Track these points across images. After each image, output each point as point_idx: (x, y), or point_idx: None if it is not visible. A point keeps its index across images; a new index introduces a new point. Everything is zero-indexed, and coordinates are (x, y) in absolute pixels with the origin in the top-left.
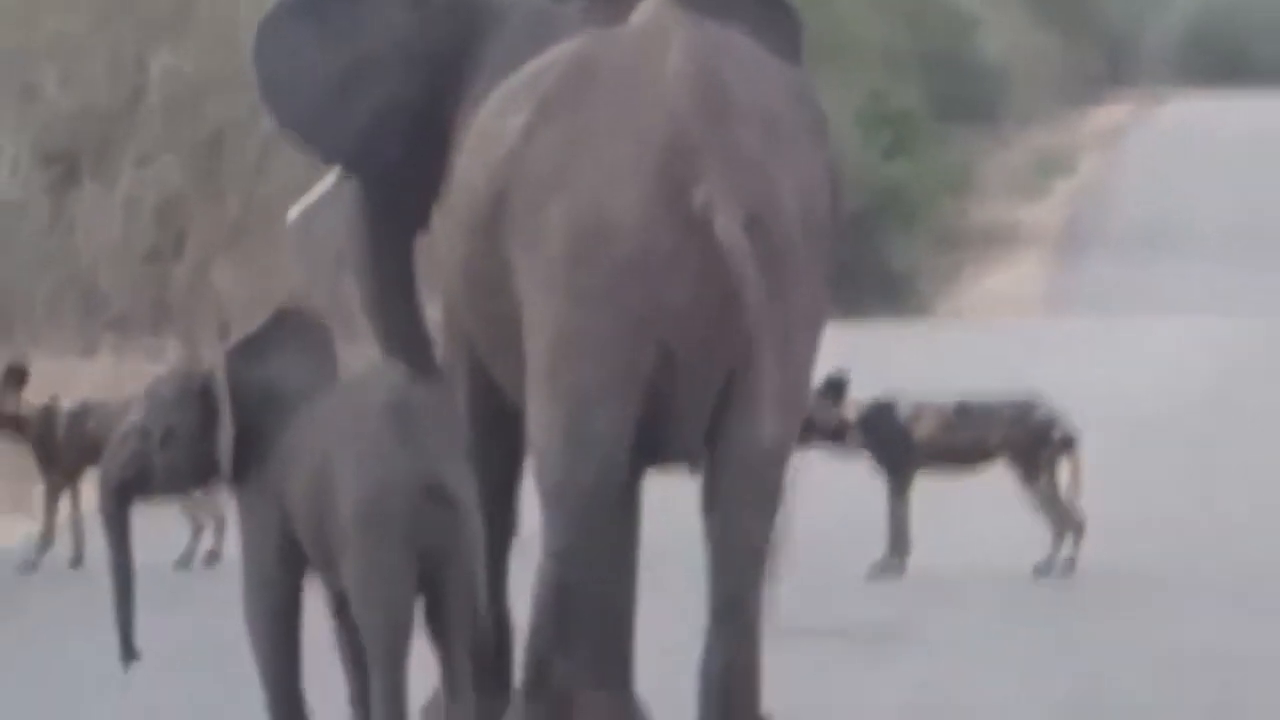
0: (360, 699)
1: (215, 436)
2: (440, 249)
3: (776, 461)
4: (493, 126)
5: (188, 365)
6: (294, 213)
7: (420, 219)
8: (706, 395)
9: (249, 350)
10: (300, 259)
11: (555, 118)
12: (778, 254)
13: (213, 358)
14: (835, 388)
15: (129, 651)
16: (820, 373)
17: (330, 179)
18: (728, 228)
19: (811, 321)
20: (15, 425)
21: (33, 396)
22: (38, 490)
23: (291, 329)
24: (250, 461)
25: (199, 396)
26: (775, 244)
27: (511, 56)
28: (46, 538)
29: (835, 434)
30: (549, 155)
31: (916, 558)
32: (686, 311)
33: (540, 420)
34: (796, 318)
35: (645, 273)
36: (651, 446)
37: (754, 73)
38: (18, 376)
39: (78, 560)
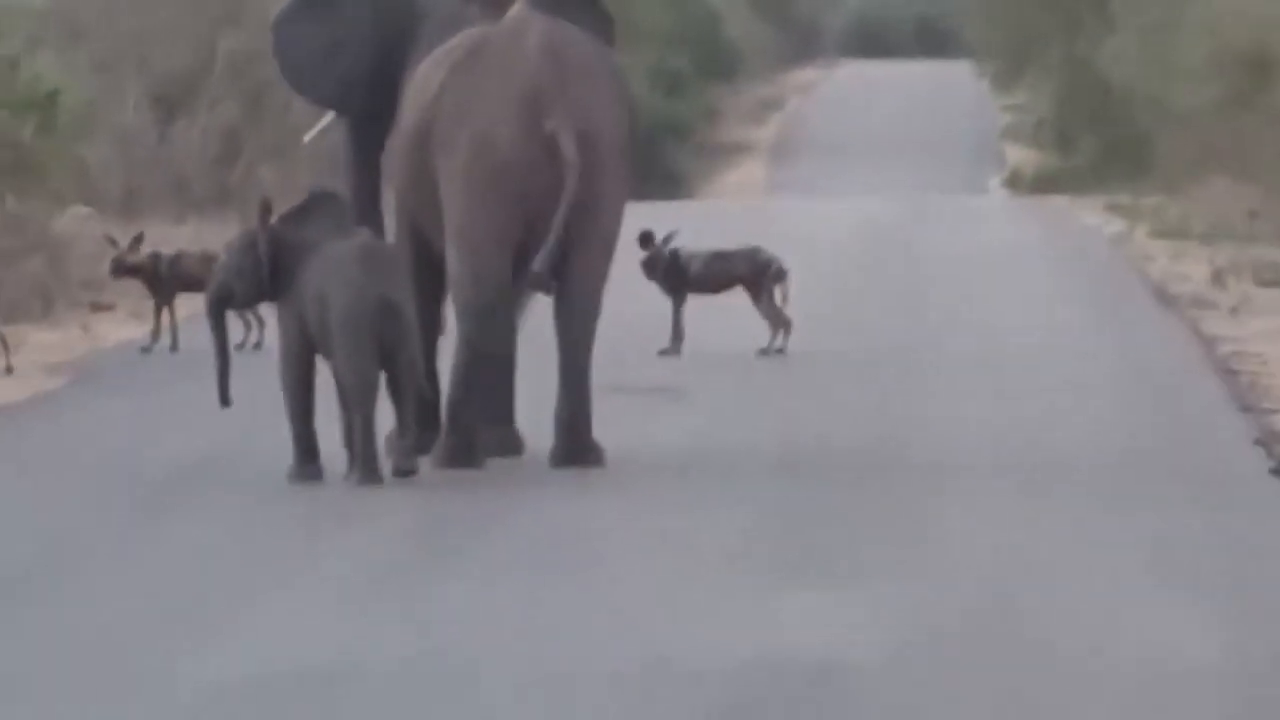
0: (348, 435)
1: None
2: (393, 159)
3: (598, 285)
4: (423, 83)
5: (248, 230)
6: (308, 136)
7: (380, 141)
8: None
9: (286, 219)
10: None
11: (460, 77)
12: (599, 159)
13: (258, 225)
14: (647, 238)
15: (225, 399)
16: (632, 232)
17: (328, 116)
18: (567, 147)
19: (619, 199)
20: (136, 269)
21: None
22: (150, 306)
23: (317, 204)
24: (283, 287)
25: (253, 249)
26: (598, 153)
27: (435, 38)
28: (155, 335)
29: (645, 269)
30: (457, 101)
31: (688, 345)
32: (543, 195)
33: (454, 263)
34: (610, 197)
35: (516, 172)
36: (523, 278)
37: (581, 48)
38: (137, 239)
39: (174, 348)
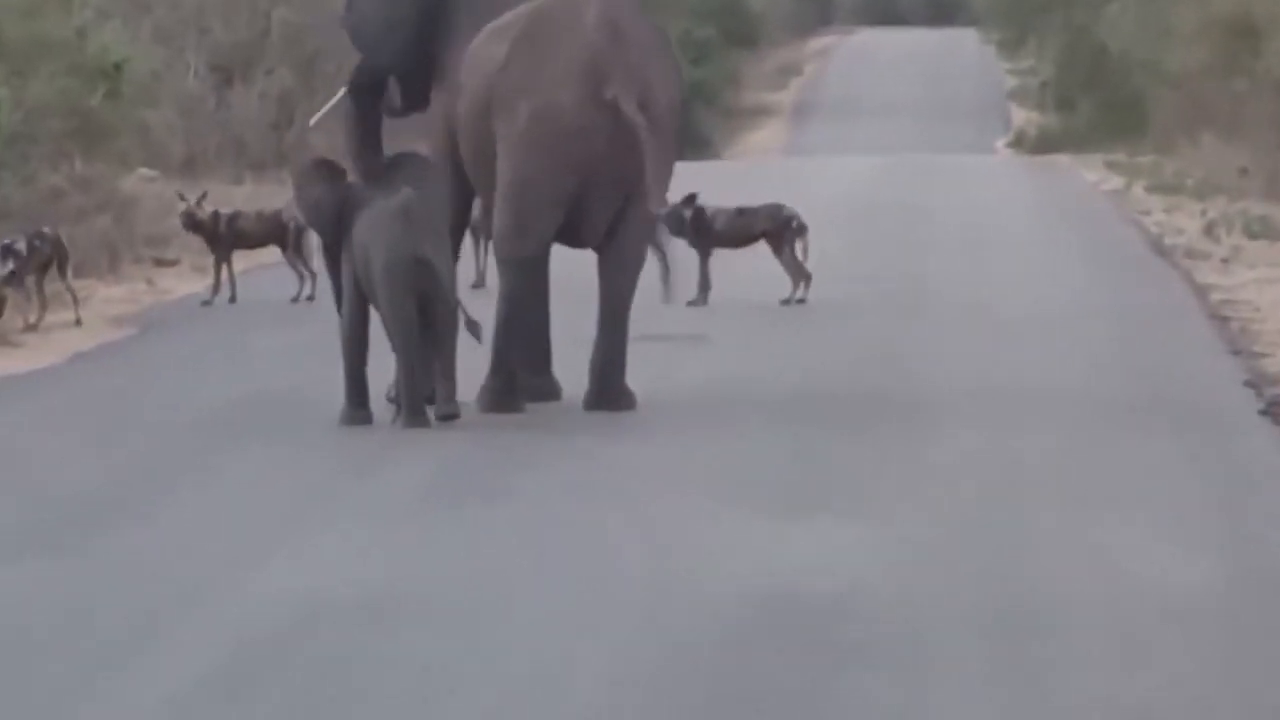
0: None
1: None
2: (456, 124)
3: (645, 241)
4: (484, 53)
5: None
6: (313, 119)
7: (417, 102)
8: (610, 208)
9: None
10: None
11: (522, 50)
12: (656, 123)
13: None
14: (690, 199)
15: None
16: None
17: (333, 101)
18: (630, 108)
19: (671, 162)
20: (198, 226)
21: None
22: (210, 261)
23: (400, 165)
24: (342, 240)
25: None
26: (654, 118)
27: (475, 17)
28: (215, 289)
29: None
30: (520, 72)
31: (714, 295)
32: (601, 158)
33: (503, 217)
34: (665, 160)
35: (578, 136)
36: (577, 236)
37: (636, 21)
38: (203, 196)
39: (233, 300)
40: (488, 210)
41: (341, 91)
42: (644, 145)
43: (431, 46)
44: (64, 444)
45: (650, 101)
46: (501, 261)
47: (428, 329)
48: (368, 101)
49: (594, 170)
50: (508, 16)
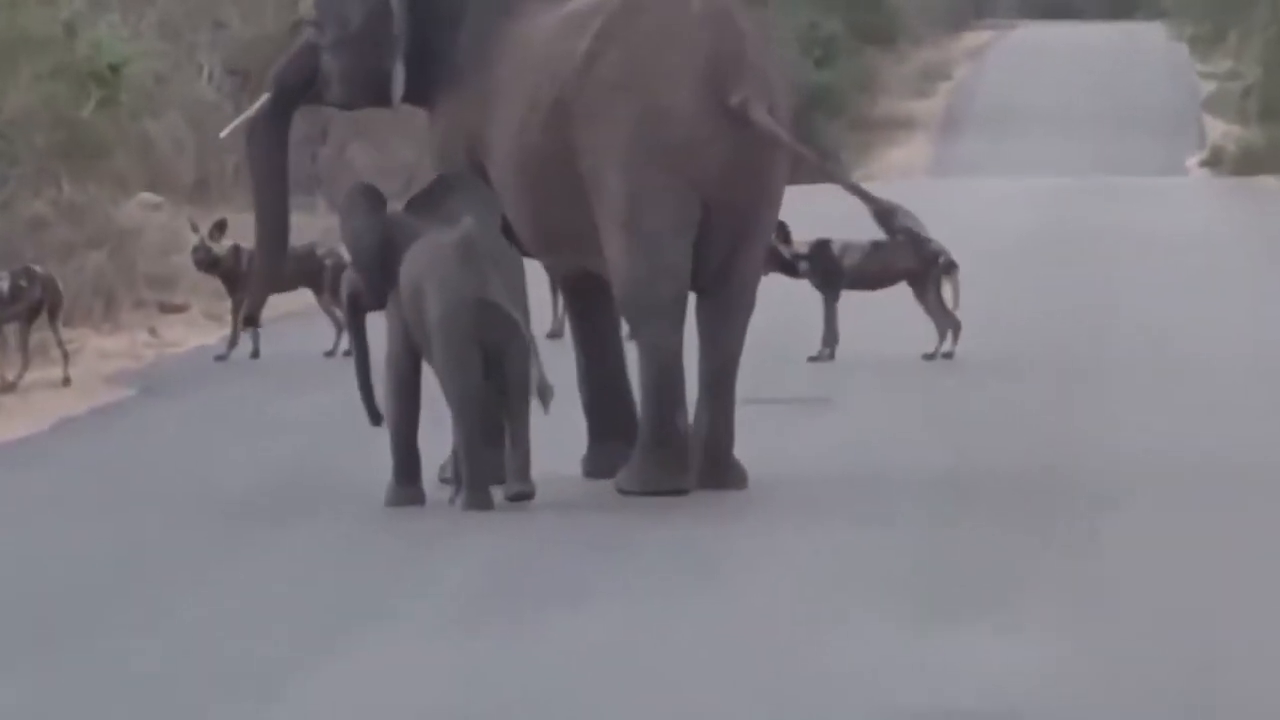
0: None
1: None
2: (480, 140)
3: (755, 283)
4: (549, 51)
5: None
6: (225, 131)
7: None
8: (725, 242)
9: (410, 205)
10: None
11: (613, 44)
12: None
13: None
14: (783, 231)
15: (374, 415)
16: None
17: (254, 108)
18: (762, 117)
19: (783, 186)
20: (213, 263)
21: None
22: (226, 307)
23: (443, 189)
24: (384, 282)
25: (368, 237)
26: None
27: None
28: (233, 341)
29: (788, 265)
30: (613, 67)
31: (842, 349)
32: (719, 179)
33: (624, 256)
34: (781, 182)
35: (696, 149)
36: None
37: (742, 12)
38: (219, 226)
39: (255, 354)
40: (551, 243)
41: (264, 98)
42: (781, 158)
43: (430, 33)
44: (46, 533)
45: (777, 108)
46: (637, 310)
47: (495, 389)
48: (287, 112)
49: (709, 193)
50: (576, 5)
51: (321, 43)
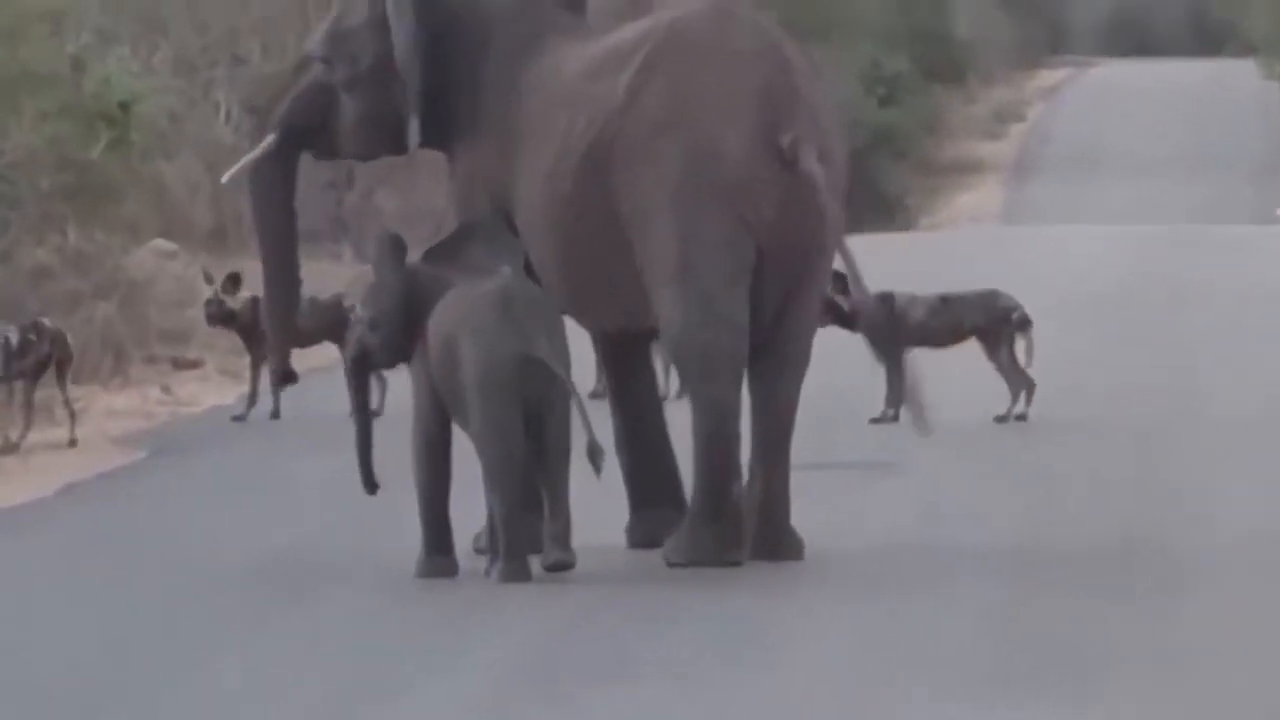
0: (489, 523)
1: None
2: (500, 186)
3: (811, 338)
4: (588, 86)
5: (382, 271)
6: (227, 176)
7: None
8: (778, 292)
9: (431, 255)
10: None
11: (660, 74)
12: (835, 182)
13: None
14: (841, 282)
15: (370, 483)
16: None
17: (259, 150)
18: (810, 163)
19: (839, 234)
20: (229, 317)
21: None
22: (244, 363)
23: (468, 236)
24: (405, 339)
25: (386, 294)
26: (834, 174)
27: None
28: (252, 399)
29: (846, 319)
30: (659, 102)
31: (907, 411)
32: (773, 224)
33: (676, 304)
34: (837, 230)
35: (748, 191)
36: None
37: (792, 45)
38: (233, 278)
39: (275, 414)
40: (585, 297)
41: (269, 139)
42: (825, 212)
43: (449, 71)
44: (46, 608)
45: (830, 152)
46: (693, 366)
47: (534, 451)
48: (293, 155)
49: (762, 238)
50: (609, 41)
51: (333, 82)
